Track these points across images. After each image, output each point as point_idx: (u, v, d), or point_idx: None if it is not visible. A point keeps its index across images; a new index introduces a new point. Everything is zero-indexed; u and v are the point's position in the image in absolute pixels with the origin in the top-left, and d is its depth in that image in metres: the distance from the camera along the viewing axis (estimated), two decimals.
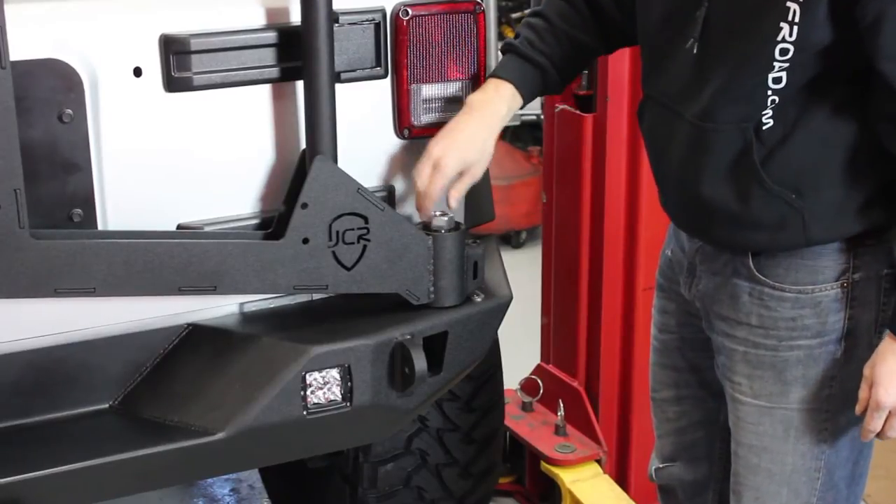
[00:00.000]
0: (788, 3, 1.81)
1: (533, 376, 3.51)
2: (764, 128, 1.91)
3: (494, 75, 2.25)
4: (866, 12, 1.79)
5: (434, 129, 2.37)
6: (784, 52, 1.84)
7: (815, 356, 2.03)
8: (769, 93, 1.88)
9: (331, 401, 2.19)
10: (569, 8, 2.23)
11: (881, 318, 2.02)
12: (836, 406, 2.06)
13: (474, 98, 2.25)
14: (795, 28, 1.82)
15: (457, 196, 2.23)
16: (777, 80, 1.87)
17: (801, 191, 1.94)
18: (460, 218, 2.35)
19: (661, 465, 2.44)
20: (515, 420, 3.43)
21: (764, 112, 1.90)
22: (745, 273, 2.05)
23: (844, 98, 1.91)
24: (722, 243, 2.08)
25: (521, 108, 2.30)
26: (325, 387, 2.18)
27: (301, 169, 2.20)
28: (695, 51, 1.95)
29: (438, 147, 2.21)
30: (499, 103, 2.24)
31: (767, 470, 2.11)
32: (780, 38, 1.83)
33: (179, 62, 2.13)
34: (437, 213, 2.25)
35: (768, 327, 2.04)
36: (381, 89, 2.34)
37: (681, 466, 2.41)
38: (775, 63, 1.85)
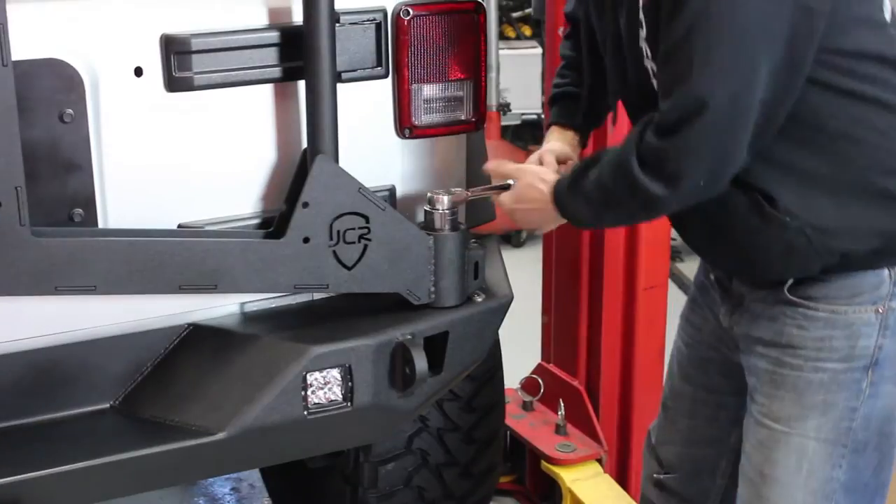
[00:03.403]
0: None
1: (533, 375, 3.50)
2: None
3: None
4: None
5: (434, 128, 2.37)
6: None
7: (840, 382, 1.98)
8: None
9: (331, 401, 2.19)
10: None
11: None
12: (854, 444, 2.00)
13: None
14: None
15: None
16: None
17: (794, 212, 1.91)
18: (461, 218, 2.35)
19: (660, 475, 2.40)
20: (516, 419, 3.42)
21: None
22: (782, 297, 2.00)
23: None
24: (746, 274, 2.06)
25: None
26: (325, 387, 2.18)
27: (302, 168, 2.20)
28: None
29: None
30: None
31: (775, 503, 2.06)
32: None
33: (180, 62, 2.13)
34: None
35: (797, 346, 2.00)
36: (383, 89, 2.34)
37: (681, 479, 2.37)
38: None
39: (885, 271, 1.96)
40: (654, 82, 1.92)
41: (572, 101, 2.34)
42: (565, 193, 2.04)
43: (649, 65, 1.93)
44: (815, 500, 2.03)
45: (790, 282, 1.99)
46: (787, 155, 1.89)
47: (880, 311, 1.96)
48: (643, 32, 1.91)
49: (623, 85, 2.06)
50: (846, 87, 1.86)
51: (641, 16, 1.90)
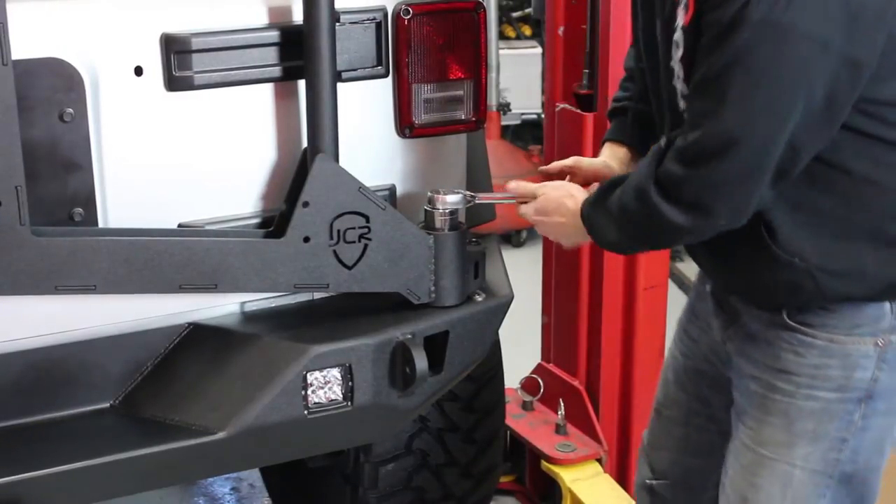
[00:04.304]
0: None
1: (533, 375, 3.50)
2: None
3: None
4: None
5: (434, 128, 2.37)
6: None
7: (831, 412, 1.94)
8: None
9: (332, 400, 2.19)
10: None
11: None
12: (840, 476, 1.97)
13: None
14: None
15: None
16: None
17: (803, 255, 1.88)
18: (461, 217, 2.35)
19: (652, 481, 2.37)
20: (516, 419, 3.42)
21: None
22: (779, 321, 1.97)
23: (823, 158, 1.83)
24: (746, 299, 2.03)
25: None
26: (325, 386, 2.18)
27: (302, 167, 2.19)
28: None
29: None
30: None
31: None
32: None
33: (180, 61, 2.13)
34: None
35: (791, 372, 1.96)
36: (383, 88, 2.34)
37: (672, 486, 2.34)
38: None
39: (887, 304, 1.91)
40: (681, 103, 1.88)
41: (627, 117, 2.30)
42: (591, 210, 2.00)
43: (679, 85, 1.87)
44: None
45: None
46: (802, 192, 1.85)
47: (879, 343, 1.92)
48: (678, 52, 1.86)
49: (656, 97, 2.02)
50: (875, 132, 1.82)
51: (679, 35, 1.83)
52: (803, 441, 1.97)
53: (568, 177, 2.29)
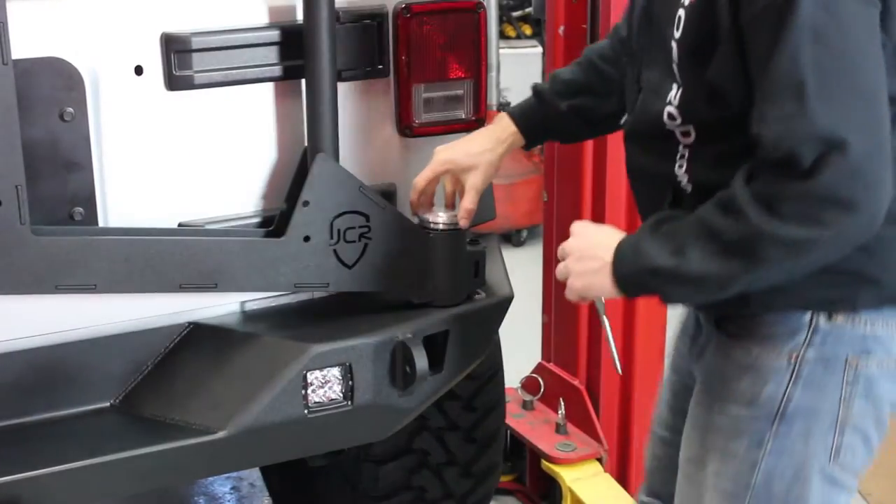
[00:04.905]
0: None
1: (534, 375, 3.51)
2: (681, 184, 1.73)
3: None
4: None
5: (435, 127, 2.37)
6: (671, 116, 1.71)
7: (741, 430, 1.75)
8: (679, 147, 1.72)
9: (332, 400, 2.19)
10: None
11: (844, 416, 1.71)
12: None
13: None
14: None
15: (463, 213, 2.16)
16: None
17: None
18: None
19: (646, 500, 2.22)
20: (516, 419, 3.42)
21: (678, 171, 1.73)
22: (712, 326, 1.84)
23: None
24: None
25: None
26: (326, 385, 2.18)
27: (303, 167, 2.20)
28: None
29: (437, 149, 2.18)
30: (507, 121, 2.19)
31: None
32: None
33: (180, 60, 2.13)
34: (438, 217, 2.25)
35: (709, 383, 1.82)
36: (383, 88, 2.34)
37: None
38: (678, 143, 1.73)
39: (807, 316, 1.70)
40: (668, 123, 1.71)
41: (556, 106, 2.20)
42: (644, 236, 1.68)
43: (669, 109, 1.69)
44: None
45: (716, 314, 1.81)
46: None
47: (793, 358, 1.71)
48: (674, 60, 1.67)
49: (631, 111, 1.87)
50: None
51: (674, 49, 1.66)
52: (714, 456, 1.80)
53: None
